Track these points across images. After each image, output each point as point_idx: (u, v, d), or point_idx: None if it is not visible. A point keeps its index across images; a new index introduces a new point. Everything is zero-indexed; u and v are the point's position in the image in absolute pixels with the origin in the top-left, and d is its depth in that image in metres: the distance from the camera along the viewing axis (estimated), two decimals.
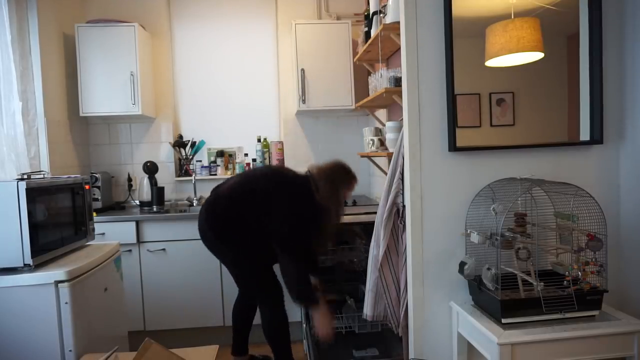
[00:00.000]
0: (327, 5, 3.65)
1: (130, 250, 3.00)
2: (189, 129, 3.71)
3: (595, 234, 1.58)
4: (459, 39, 1.75)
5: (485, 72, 1.78)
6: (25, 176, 1.90)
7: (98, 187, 3.25)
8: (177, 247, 3.04)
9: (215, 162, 3.67)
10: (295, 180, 2.37)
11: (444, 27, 1.76)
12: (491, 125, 1.80)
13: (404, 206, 1.94)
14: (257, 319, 2.67)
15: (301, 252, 2.30)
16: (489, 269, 1.61)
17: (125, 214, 3.08)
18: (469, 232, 1.73)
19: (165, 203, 3.43)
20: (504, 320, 1.55)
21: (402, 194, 1.96)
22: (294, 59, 3.37)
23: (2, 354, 1.78)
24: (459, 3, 1.74)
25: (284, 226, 2.27)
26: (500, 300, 1.54)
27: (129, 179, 3.55)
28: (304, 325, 2.71)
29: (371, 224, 2.16)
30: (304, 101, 3.35)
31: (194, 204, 3.53)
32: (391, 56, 3.04)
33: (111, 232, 2.98)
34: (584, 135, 1.81)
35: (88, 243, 2.34)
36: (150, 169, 3.39)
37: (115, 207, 3.41)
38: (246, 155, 3.74)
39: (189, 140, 3.61)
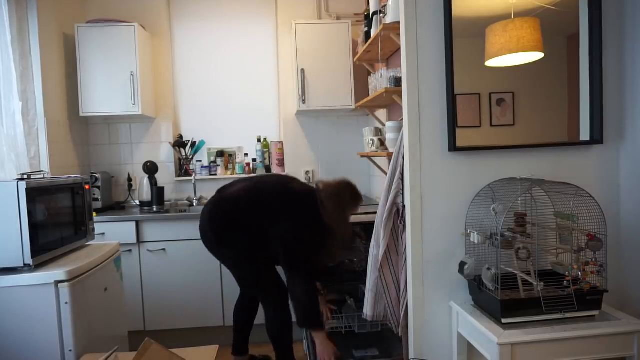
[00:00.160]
0: (327, 5, 3.65)
1: (130, 250, 3.00)
2: (189, 129, 3.71)
3: (595, 234, 1.58)
4: (459, 39, 1.75)
5: (485, 72, 1.78)
6: (25, 176, 1.90)
7: (98, 187, 3.25)
8: (177, 247, 3.04)
9: (215, 162, 3.67)
10: (302, 199, 2.32)
11: (444, 27, 1.76)
12: (491, 125, 1.80)
13: (404, 206, 1.94)
14: (258, 319, 2.68)
15: (308, 269, 2.27)
16: (489, 269, 1.61)
17: (125, 214, 3.08)
18: (469, 232, 1.73)
19: (165, 203, 3.43)
20: (504, 320, 1.55)
21: (402, 194, 1.96)
22: (294, 59, 3.37)
23: (2, 354, 1.78)
24: (459, 3, 1.74)
25: (290, 244, 2.25)
26: (500, 300, 1.54)
27: (129, 179, 3.55)
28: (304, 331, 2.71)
29: (371, 224, 2.16)
30: (304, 101, 3.35)
31: (194, 204, 3.53)
32: (391, 56, 3.04)
33: (111, 232, 2.98)
34: (584, 135, 1.81)
35: (88, 243, 2.34)
36: (150, 169, 3.39)
37: (115, 207, 3.41)
38: (246, 155, 3.74)
39: (189, 140, 3.61)
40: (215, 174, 3.64)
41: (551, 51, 1.78)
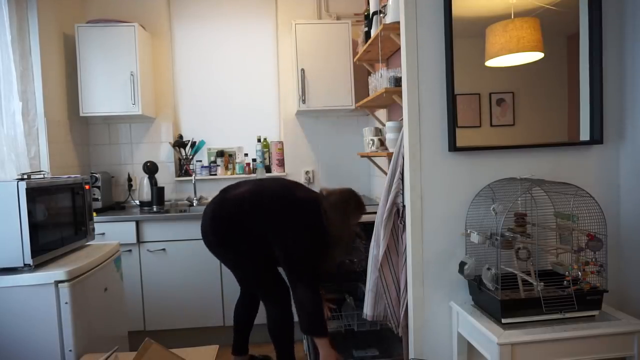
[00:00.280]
0: (327, 5, 3.66)
1: (130, 250, 3.00)
2: (189, 129, 3.71)
3: (595, 234, 1.58)
4: (459, 39, 1.75)
5: (485, 72, 1.78)
6: (25, 176, 1.90)
7: (98, 187, 3.25)
8: (177, 247, 3.04)
9: (215, 162, 3.67)
10: (305, 206, 2.30)
11: (444, 27, 1.76)
12: (491, 125, 1.80)
13: (404, 206, 1.94)
14: (258, 319, 2.68)
15: (310, 276, 2.26)
16: (489, 269, 1.61)
17: (125, 214, 3.08)
18: (469, 232, 1.73)
19: (165, 203, 3.43)
20: (504, 320, 1.55)
21: (402, 194, 1.96)
22: (294, 59, 3.38)
23: (2, 354, 1.78)
24: (459, 3, 1.74)
25: (291, 251, 2.24)
26: (500, 300, 1.54)
27: (129, 179, 3.55)
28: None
29: (371, 224, 2.16)
30: (304, 101, 3.35)
31: (194, 204, 3.53)
32: (391, 56, 3.04)
33: (111, 232, 2.98)
34: (584, 135, 1.81)
35: (88, 243, 2.34)
36: (150, 169, 3.39)
37: (115, 207, 3.41)
38: (246, 155, 3.74)
39: (189, 140, 3.61)
40: (215, 174, 3.64)
41: (551, 51, 1.78)
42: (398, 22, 2.03)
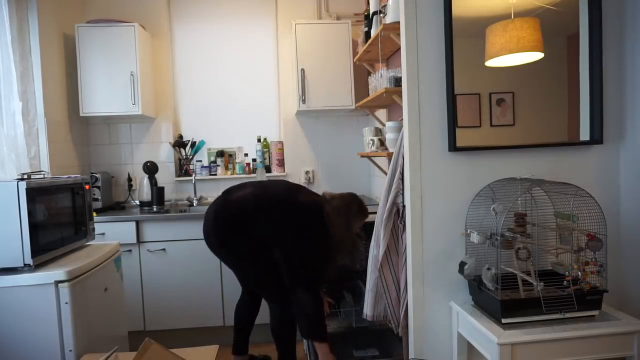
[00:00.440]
0: (327, 5, 3.66)
1: (130, 250, 3.00)
2: (189, 129, 3.71)
3: (595, 234, 1.58)
4: (459, 39, 1.75)
5: (485, 72, 1.78)
6: (25, 176, 1.90)
7: (98, 187, 3.25)
8: (177, 247, 3.04)
9: (215, 162, 3.67)
10: (306, 210, 2.29)
11: (444, 27, 1.76)
12: (491, 125, 1.80)
13: (404, 206, 1.94)
14: (258, 319, 2.68)
15: (309, 281, 2.25)
16: (489, 269, 1.61)
17: (125, 214, 3.08)
18: (469, 232, 1.73)
19: (165, 203, 3.43)
20: (504, 320, 1.55)
21: (402, 194, 1.96)
22: (294, 59, 3.38)
23: (2, 353, 1.78)
24: (459, 3, 1.74)
25: (291, 255, 2.23)
26: (500, 300, 1.54)
27: (129, 179, 3.55)
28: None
29: (371, 224, 2.16)
30: (304, 101, 3.35)
31: (194, 204, 3.53)
32: (391, 56, 3.04)
33: (111, 232, 2.98)
34: (584, 135, 1.81)
35: (88, 243, 2.34)
36: (150, 169, 3.39)
37: (115, 207, 3.41)
38: (246, 155, 3.74)
39: (189, 140, 3.61)
40: (215, 174, 3.64)
41: (551, 51, 1.78)
42: (398, 22, 2.03)
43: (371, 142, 2.72)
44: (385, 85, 2.41)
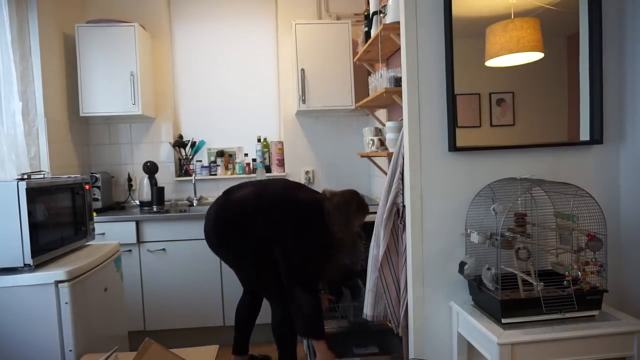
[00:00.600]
0: (327, 5, 3.66)
1: (130, 250, 3.00)
2: (189, 129, 3.72)
3: (595, 234, 1.58)
4: (459, 39, 1.75)
5: (485, 72, 1.78)
6: (25, 176, 1.90)
7: (98, 187, 3.25)
8: (177, 247, 3.04)
9: (215, 162, 3.67)
10: (306, 208, 2.28)
11: (444, 27, 1.76)
12: (491, 125, 1.80)
13: (404, 206, 1.94)
14: (259, 319, 2.68)
15: (308, 279, 2.25)
16: (489, 269, 1.61)
17: (125, 214, 3.08)
18: (469, 232, 1.73)
19: (165, 203, 3.43)
20: (504, 320, 1.55)
21: (402, 194, 1.96)
22: (294, 59, 3.38)
23: (2, 353, 1.78)
24: (459, 3, 1.74)
25: (290, 253, 2.23)
26: (500, 300, 1.54)
27: (129, 179, 3.55)
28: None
29: (371, 224, 2.16)
30: (304, 101, 3.35)
31: (194, 204, 3.53)
32: (391, 56, 3.04)
33: (111, 232, 2.98)
34: (584, 135, 1.81)
35: (88, 243, 2.34)
36: (150, 169, 3.39)
37: (115, 207, 3.41)
38: (246, 155, 3.74)
39: (189, 140, 3.61)
40: (215, 174, 3.64)
41: (551, 51, 1.78)
42: (398, 22, 2.03)
43: (371, 142, 2.72)
44: (385, 85, 2.41)
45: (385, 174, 2.78)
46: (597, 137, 1.79)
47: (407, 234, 1.86)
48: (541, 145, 1.81)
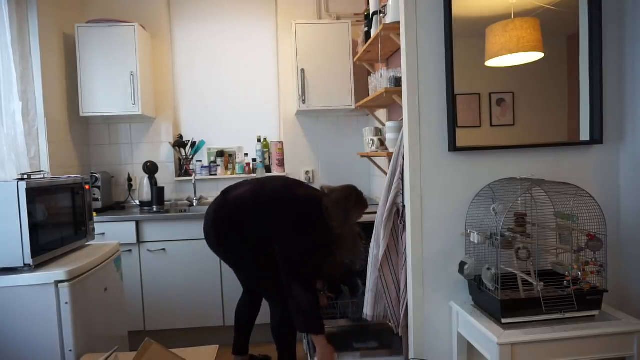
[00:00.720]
0: (327, 5, 3.65)
1: (130, 250, 3.00)
2: (189, 129, 3.71)
3: (595, 234, 1.58)
4: (459, 39, 1.75)
5: (485, 72, 1.78)
6: (25, 176, 1.90)
7: (98, 187, 3.25)
8: (177, 247, 3.04)
9: (215, 162, 3.67)
10: (305, 204, 2.28)
11: (444, 27, 1.76)
12: (491, 125, 1.80)
13: (404, 206, 1.94)
14: (259, 319, 2.68)
15: (306, 276, 2.25)
16: (489, 269, 1.61)
17: (125, 214, 3.08)
18: (469, 232, 1.73)
19: (165, 203, 3.43)
20: (504, 320, 1.55)
21: (402, 194, 1.96)
22: (294, 59, 3.38)
23: (2, 353, 1.78)
24: (459, 3, 1.74)
25: (288, 249, 2.22)
26: (500, 300, 1.54)
27: (129, 179, 3.55)
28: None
29: (371, 224, 2.16)
30: (304, 101, 3.35)
31: (194, 204, 3.53)
32: (391, 56, 3.04)
33: (111, 232, 2.98)
34: (584, 135, 1.81)
35: (88, 243, 2.34)
36: (150, 169, 3.39)
37: (115, 207, 3.41)
38: (246, 155, 3.74)
39: (189, 140, 3.61)
40: (215, 174, 3.64)
41: (551, 51, 1.78)
42: (398, 22, 2.03)
43: (371, 142, 2.72)
44: (385, 85, 2.41)
45: (385, 174, 2.78)
46: (597, 137, 1.79)
47: (407, 234, 1.86)
48: (541, 145, 1.81)
